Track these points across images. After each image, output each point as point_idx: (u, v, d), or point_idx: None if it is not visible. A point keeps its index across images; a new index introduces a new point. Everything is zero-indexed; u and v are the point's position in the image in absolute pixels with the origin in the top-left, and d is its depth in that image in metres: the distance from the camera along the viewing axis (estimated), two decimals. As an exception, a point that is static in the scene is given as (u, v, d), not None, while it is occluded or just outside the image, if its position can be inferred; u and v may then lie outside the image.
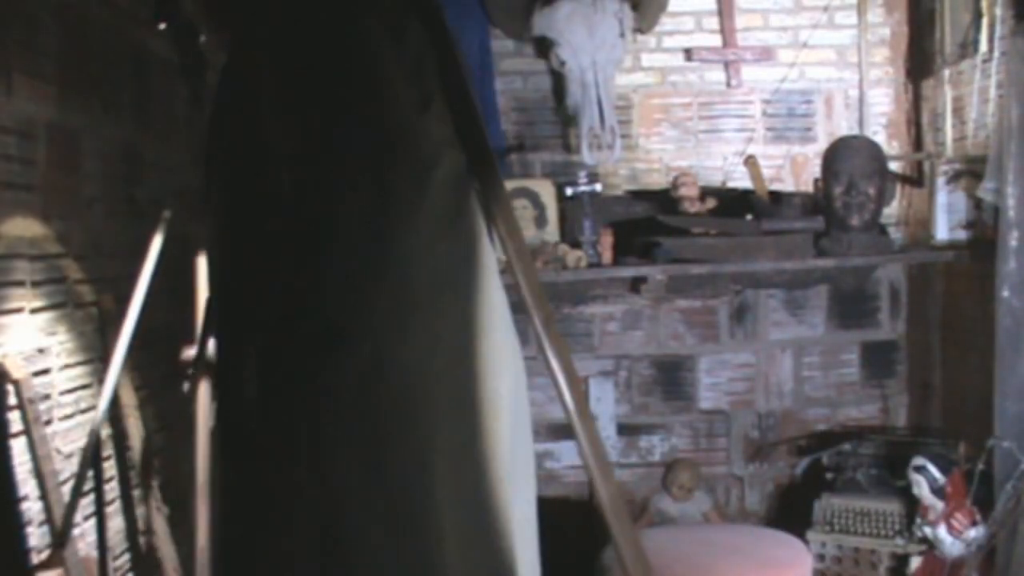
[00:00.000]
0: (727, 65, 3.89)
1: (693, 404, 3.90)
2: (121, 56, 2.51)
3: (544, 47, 3.72)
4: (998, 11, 3.07)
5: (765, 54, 3.88)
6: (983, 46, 3.17)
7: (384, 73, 1.42)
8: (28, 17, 2.14)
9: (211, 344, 1.95)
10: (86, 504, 2.28)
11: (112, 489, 2.44)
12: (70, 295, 2.31)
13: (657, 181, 3.84)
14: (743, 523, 3.84)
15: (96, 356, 2.41)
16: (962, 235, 3.41)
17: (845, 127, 3.88)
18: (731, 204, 3.61)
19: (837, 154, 3.50)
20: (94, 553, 2.27)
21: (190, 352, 2.43)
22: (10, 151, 2.07)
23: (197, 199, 2.63)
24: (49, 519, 2.14)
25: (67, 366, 2.32)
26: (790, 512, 3.68)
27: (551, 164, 3.85)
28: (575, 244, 3.46)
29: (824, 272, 3.68)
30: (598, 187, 3.51)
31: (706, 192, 3.60)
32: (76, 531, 2.21)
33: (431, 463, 1.38)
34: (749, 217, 3.57)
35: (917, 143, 3.85)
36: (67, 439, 2.30)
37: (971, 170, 3.30)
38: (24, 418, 2.08)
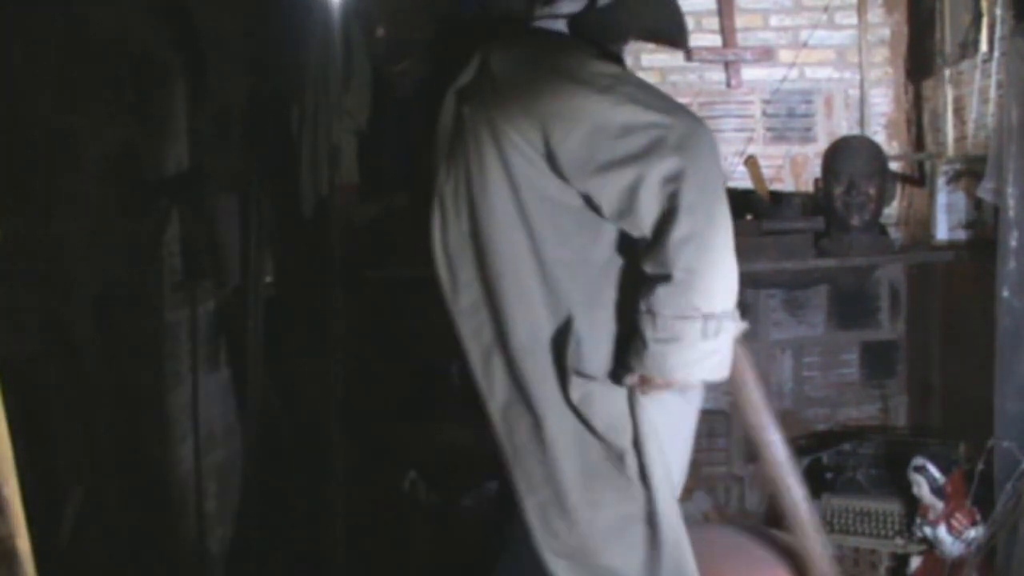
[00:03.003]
0: (727, 65, 3.89)
1: (693, 404, 3.89)
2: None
3: (544, 47, 3.72)
4: (998, 11, 3.06)
5: (765, 54, 3.88)
6: (983, 46, 3.17)
7: None
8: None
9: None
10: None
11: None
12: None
13: (657, 181, 3.83)
14: (743, 523, 3.83)
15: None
16: (962, 235, 3.41)
17: (845, 127, 3.88)
18: (731, 204, 3.59)
19: (837, 154, 3.51)
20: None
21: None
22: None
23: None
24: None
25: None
26: (790, 512, 3.67)
27: (552, 164, 3.84)
28: (576, 244, 3.45)
29: (824, 272, 3.67)
30: (599, 187, 3.50)
31: (706, 192, 3.59)
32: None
33: None
34: (749, 217, 3.57)
35: (917, 143, 3.85)
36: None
37: (971, 170, 3.31)
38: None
